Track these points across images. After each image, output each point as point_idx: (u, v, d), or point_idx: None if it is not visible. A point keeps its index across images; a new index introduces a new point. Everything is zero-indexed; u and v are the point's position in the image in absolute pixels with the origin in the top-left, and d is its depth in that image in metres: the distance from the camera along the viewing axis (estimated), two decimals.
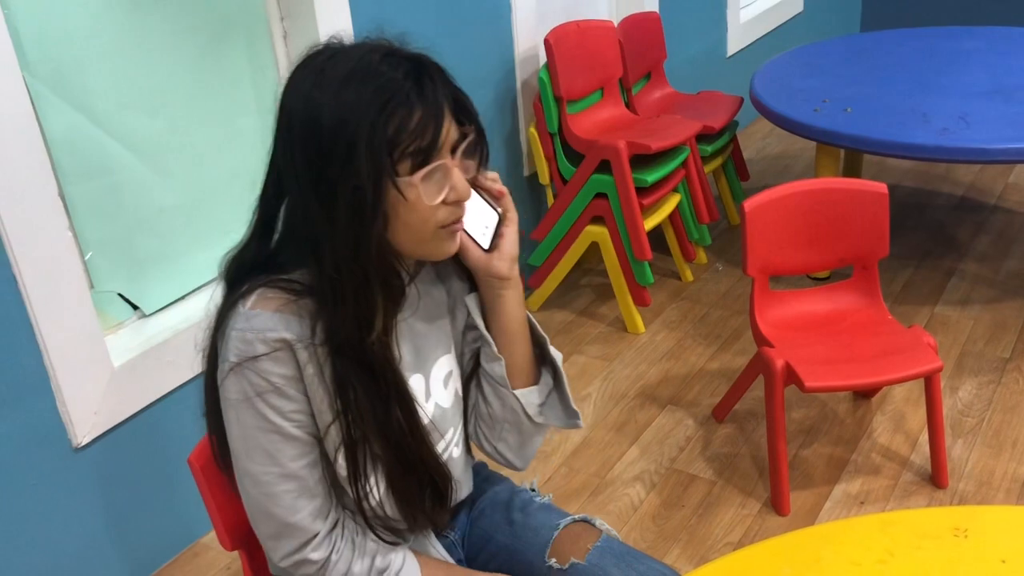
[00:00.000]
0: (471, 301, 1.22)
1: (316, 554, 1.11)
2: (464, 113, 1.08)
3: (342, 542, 1.13)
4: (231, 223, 2.15)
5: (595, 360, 2.68)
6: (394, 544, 1.17)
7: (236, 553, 1.35)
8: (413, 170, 1.02)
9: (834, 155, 2.81)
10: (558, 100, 2.72)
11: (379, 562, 1.14)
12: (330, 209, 1.02)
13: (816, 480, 2.15)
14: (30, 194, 1.66)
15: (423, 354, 1.19)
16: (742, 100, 3.19)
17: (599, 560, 1.21)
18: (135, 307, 2.00)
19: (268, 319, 1.05)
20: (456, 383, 1.25)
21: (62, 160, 1.81)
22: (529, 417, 1.24)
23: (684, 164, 2.85)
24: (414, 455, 1.14)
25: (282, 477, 1.09)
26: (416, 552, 1.20)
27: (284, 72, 2.23)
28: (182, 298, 2.08)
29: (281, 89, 1.05)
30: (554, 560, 1.23)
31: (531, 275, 2.95)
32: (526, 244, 2.95)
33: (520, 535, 1.28)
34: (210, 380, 1.11)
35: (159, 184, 2.02)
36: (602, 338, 2.79)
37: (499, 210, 1.17)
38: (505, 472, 1.38)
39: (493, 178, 1.17)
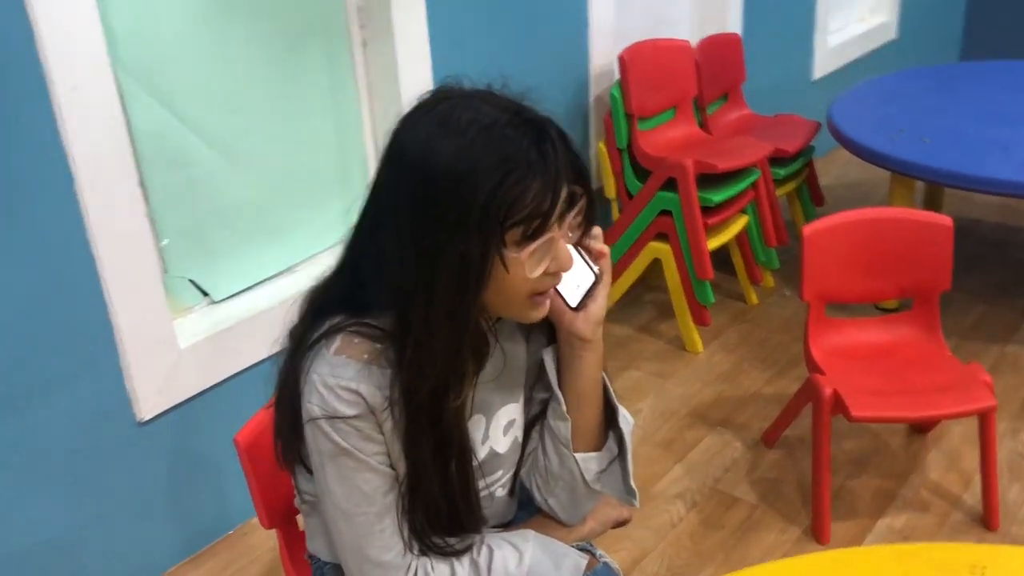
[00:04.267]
0: (548, 356, 1.20)
1: None
2: (579, 180, 1.06)
3: (428, 561, 1.14)
4: (300, 219, 2.26)
5: (649, 376, 2.69)
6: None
7: None
8: (522, 241, 1.01)
9: (908, 185, 2.76)
10: (629, 116, 2.74)
11: (471, 557, 1.16)
12: (431, 268, 0.99)
13: (860, 511, 2.12)
14: (113, 181, 1.77)
15: (490, 399, 1.19)
16: (819, 125, 3.16)
17: None
18: (205, 293, 2.11)
19: (352, 371, 1.04)
20: (517, 431, 1.24)
21: (145, 151, 1.92)
22: (585, 482, 1.22)
23: (754, 186, 2.84)
24: (457, 500, 1.15)
25: (377, 516, 1.10)
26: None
27: (362, 77, 2.32)
28: (249, 288, 2.18)
29: (396, 126, 1.04)
30: None
31: None
32: None
33: None
34: (282, 397, 1.13)
35: (234, 178, 2.12)
36: (659, 355, 2.79)
37: (596, 271, 1.14)
38: None
39: (596, 235, 1.14)
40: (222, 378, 2.05)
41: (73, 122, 1.68)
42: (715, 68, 3.10)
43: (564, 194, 1.02)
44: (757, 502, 2.16)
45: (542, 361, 1.21)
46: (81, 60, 1.67)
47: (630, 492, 1.25)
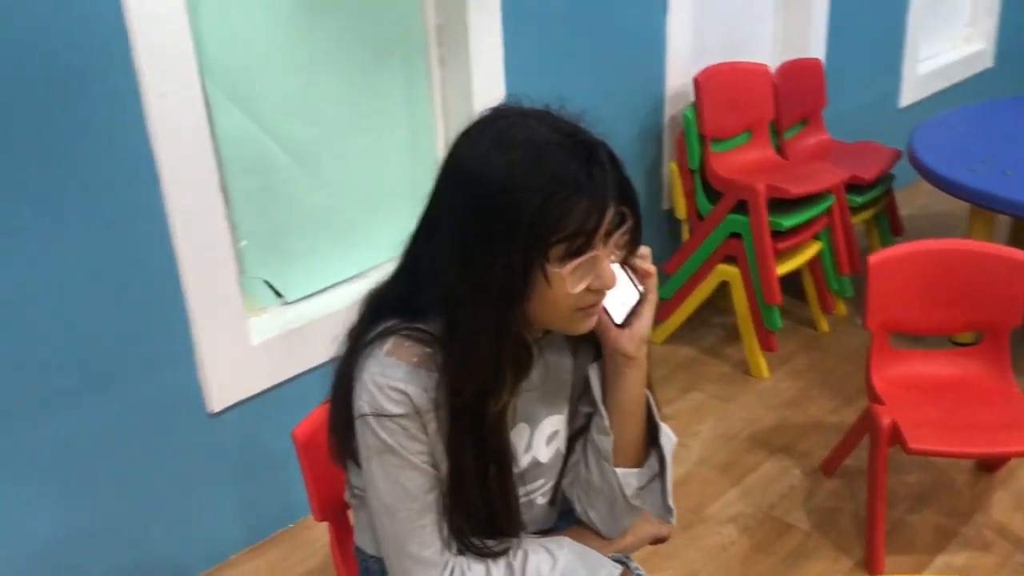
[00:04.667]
0: (593, 371, 1.23)
1: None
2: (627, 202, 1.09)
3: (465, 560, 1.18)
4: (372, 227, 2.33)
5: (712, 399, 2.68)
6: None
7: None
8: (565, 257, 1.04)
9: (988, 219, 2.69)
10: (702, 138, 2.75)
11: (507, 560, 1.20)
12: (477, 278, 1.04)
13: (918, 547, 2.07)
14: (195, 183, 1.88)
15: (535, 409, 1.22)
16: (899, 153, 3.11)
17: None
18: (279, 294, 2.20)
19: (401, 373, 1.09)
20: (560, 443, 1.27)
21: (227, 156, 2.02)
22: (625, 497, 1.24)
23: (827, 212, 2.82)
24: (496, 504, 1.18)
25: (418, 513, 1.14)
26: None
27: (438, 93, 2.39)
28: (321, 291, 2.27)
29: (456, 139, 1.09)
30: None
31: (659, 308, 2.99)
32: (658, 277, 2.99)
33: None
34: (338, 394, 1.18)
35: (311, 185, 2.21)
36: (723, 378, 2.78)
37: (641, 289, 1.17)
38: None
39: (644, 255, 1.17)
40: (291, 375, 2.13)
41: (161, 127, 1.79)
42: (794, 93, 3.08)
43: (610, 215, 1.05)
44: (811, 530, 2.14)
45: (588, 376, 1.24)
46: (171, 69, 1.78)
47: (668, 510, 1.26)
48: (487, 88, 2.36)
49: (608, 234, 1.07)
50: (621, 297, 1.16)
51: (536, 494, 1.28)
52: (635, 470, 1.23)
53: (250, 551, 2.15)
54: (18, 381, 1.73)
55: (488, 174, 1.03)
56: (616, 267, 1.15)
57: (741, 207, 2.67)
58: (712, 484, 2.32)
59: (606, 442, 1.21)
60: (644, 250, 1.17)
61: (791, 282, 3.11)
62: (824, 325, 3.01)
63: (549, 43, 2.48)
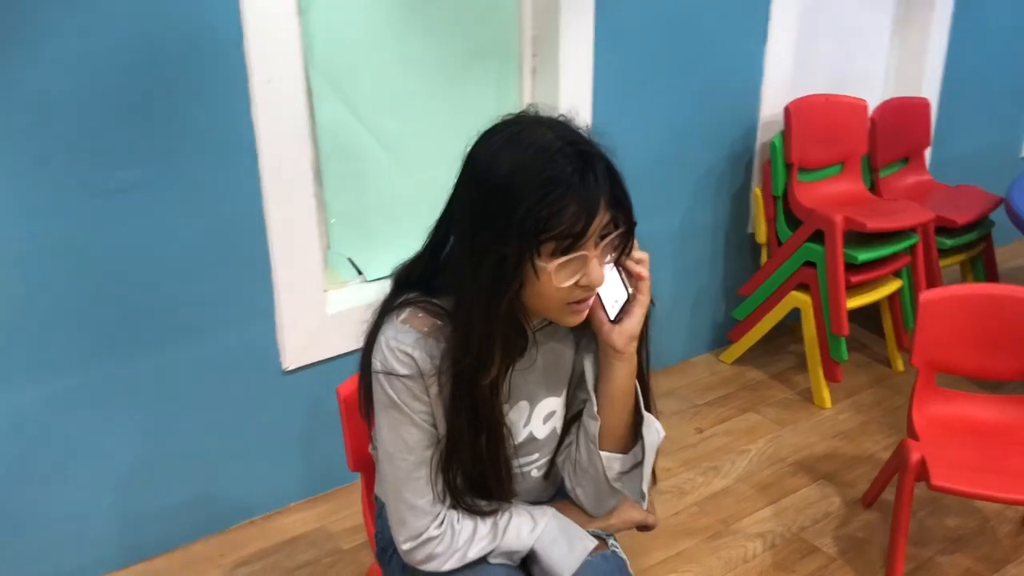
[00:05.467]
0: (589, 360, 1.35)
1: (437, 530, 1.30)
2: (619, 209, 1.19)
3: (456, 514, 1.32)
4: None
5: (767, 422, 2.72)
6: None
7: None
8: (555, 254, 1.15)
9: None
10: (788, 166, 2.80)
11: (494, 520, 1.33)
12: (476, 265, 1.17)
13: None
14: (290, 162, 2.09)
15: (535, 389, 1.35)
16: (1001, 200, 3.06)
17: (580, 570, 1.33)
18: (359, 271, 2.40)
19: (411, 339, 1.23)
20: (556, 422, 1.39)
21: (324, 141, 2.24)
22: (607, 479, 1.35)
23: (910, 251, 2.81)
24: (489, 471, 1.31)
25: (415, 465, 1.29)
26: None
27: (527, 101, 2.54)
28: None
29: (477, 138, 1.22)
30: None
31: (732, 329, 3.04)
32: (733, 298, 3.05)
33: None
34: (365, 353, 1.32)
35: (399, 176, 2.40)
36: (784, 404, 2.82)
37: (630, 291, 1.28)
38: None
39: (638, 259, 1.28)
40: (357, 346, 2.32)
41: (263, 109, 2.02)
42: (895, 130, 3.08)
43: (601, 220, 1.16)
44: (836, 556, 2.17)
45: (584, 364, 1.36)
46: (277, 58, 2.00)
47: (642, 495, 1.36)
48: (573, 101, 2.50)
49: (600, 237, 1.18)
50: (615, 295, 1.27)
51: (531, 467, 1.40)
52: (619, 455, 1.34)
53: (305, 502, 2.36)
54: (118, 321, 1.98)
55: (495, 171, 1.16)
56: (612, 268, 1.27)
57: (819, 237, 2.70)
58: (748, 500, 2.37)
59: (594, 426, 1.33)
60: (642, 255, 1.29)
61: (870, 317, 3.12)
62: (899, 364, 2.99)
63: (641, 62, 2.59)
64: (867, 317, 3.14)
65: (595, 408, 1.32)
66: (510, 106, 2.52)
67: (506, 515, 1.35)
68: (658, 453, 1.37)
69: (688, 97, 2.73)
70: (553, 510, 1.40)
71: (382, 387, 1.27)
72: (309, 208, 2.16)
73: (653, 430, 1.35)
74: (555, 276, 1.16)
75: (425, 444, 1.29)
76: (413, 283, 1.30)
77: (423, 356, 1.24)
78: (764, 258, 2.95)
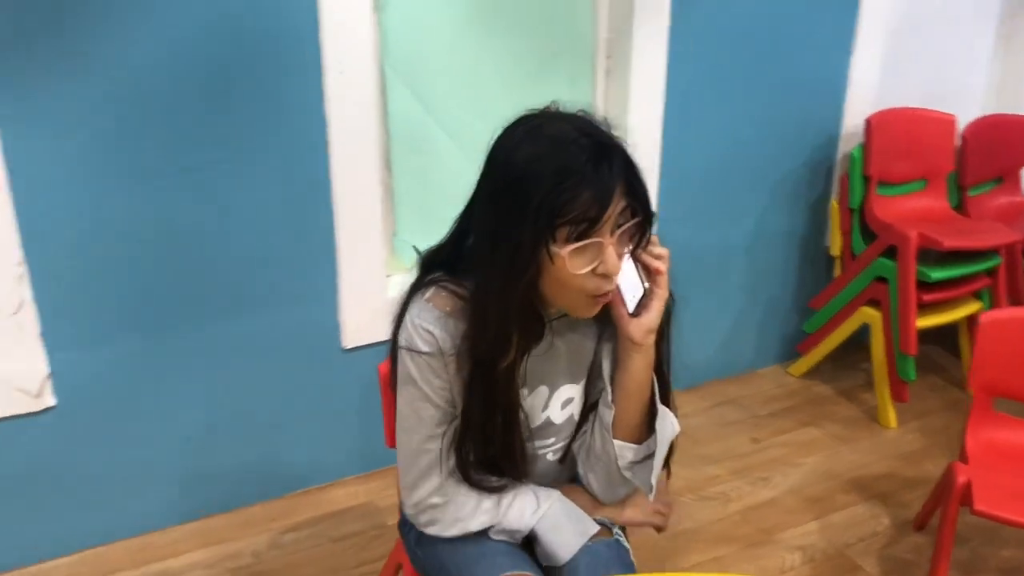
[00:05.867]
0: (607, 351, 1.38)
1: (442, 499, 1.37)
2: (636, 199, 1.21)
3: (463, 487, 1.38)
4: None
5: (827, 437, 2.68)
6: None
7: None
8: (569, 239, 1.18)
9: None
10: (867, 179, 2.75)
11: (499, 497, 1.39)
12: (493, 251, 1.22)
13: None
14: (359, 150, 2.19)
15: (556, 375, 1.39)
16: None
17: (580, 555, 1.37)
18: None
19: (433, 317, 1.29)
20: (574, 409, 1.43)
21: (396, 132, 2.33)
22: (618, 467, 1.38)
23: (990, 272, 2.72)
24: (502, 452, 1.36)
25: (427, 439, 1.35)
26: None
27: (600, 103, 2.58)
28: None
29: (502, 130, 1.26)
30: None
31: (802, 341, 3.00)
32: (805, 310, 3.01)
33: None
34: (395, 330, 1.37)
35: (469, 170, 2.46)
36: (848, 421, 2.76)
37: (646, 285, 1.29)
38: None
39: (657, 255, 1.29)
40: None
41: (335, 98, 2.12)
42: (989, 148, 2.97)
43: (615, 208, 1.19)
44: None
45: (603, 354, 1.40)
46: (351, 51, 2.10)
47: (649, 487, 1.40)
48: (644, 103, 2.52)
49: (616, 227, 1.21)
50: (634, 289, 1.30)
51: (548, 450, 1.45)
52: (632, 445, 1.38)
53: (357, 477, 2.46)
54: (190, 291, 2.12)
55: (514, 160, 1.22)
56: (630, 261, 1.29)
57: (893, 252, 2.64)
58: (794, 512, 2.35)
59: (608, 414, 1.37)
60: (661, 250, 1.30)
61: (949, 338, 3.02)
62: None
63: (717, 67, 2.59)
64: (945, 338, 3.04)
65: (610, 397, 1.36)
66: (583, 106, 2.55)
67: (511, 494, 1.40)
68: (673, 448, 1.41)
69: (766, 104, 2.71)
70: (559, 494, 1.43)
71: (404, 363, 1.34)
72: (376, 195, 2.26)
73: (668, 423, 1.37)
74: (570, 262, 1.19)
75: (438, 421, 1.35)
76: (438, 265, 1.36)
77: (444, 335, 1.29)
78: (837, 271, 2.90)
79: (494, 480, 1.41)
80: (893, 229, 2.64)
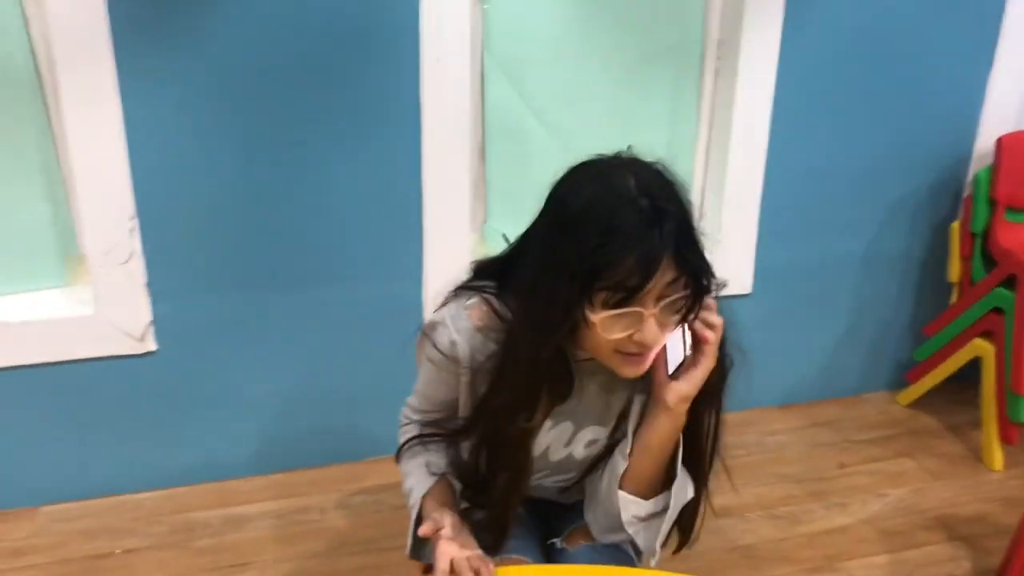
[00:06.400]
0: (638, 402, 1.31)
1: (406, 425, 1.49)
2: (687, 270, 1.12)
3: (419, 456, 1.44)
4: None
5: (921, 471, 2.53)
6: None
7: None
8: (607, 305, 1.11)
9: None
10: (993, 202, 2.57)
11: (424, 459, 1.42)
12: (530, 295, 1.18)
13: None
14: (452, 137, 2.26)
15: (583, 415, 1.35)
16: None
17: (585, 549, 1.37)
18: None
19: (463, 326, 1.28)
20: (596, 449, 1.38)
21: (492, 121, 2.38)
22: (620, 518, 1.31)
23: None
24: (510, 474, 1.33)
25: (423, 401, 1.43)
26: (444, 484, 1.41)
27: (706, 104, 2.54)
28: None
29: (578, 163, 1.22)
30: (560, 540, 1.42)
31: (911, 369, 2.84)
32: (919, 337, 2.84)
33: (567, 512, 1.49)
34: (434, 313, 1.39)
35: (564, 162, 2.49)
36: (948, 457, 2.60)
37: (688, 353, 1.21)
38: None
39: (710, 323, 1.20)
40: None
41: (431, 85, 2.20)
42: None
43: (663, 279, 1.10)
44: None
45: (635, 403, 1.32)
46: (448, 40, 2.17)
47: (653, 552, 1.33)
48: (750, 110, 2.46)
49: (660, 297, 1.12)
50: (676, 353, 1.22)
51: (560, 483, 1.45)
52: (637, 499, 1.30)
53: None
54: (281, 258, 2.26)
55: (570, 206, 1.15)
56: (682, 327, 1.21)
57: (1013, 282, 2.46)
58: (866, 543, 2.24)
59: (621, 464, 1.30)
60: (716, 319, 1.21)
61: None
62: None
63: (833, 74, 2.49)
64: None
65: (627, 449, 1.30)
66: (686, 108, 2.53)
67: (424, 468, 1.41)
68: (691, 517, 1.34)
69: (887, 115, 2.58)
70: (452, 514, 1.34)
71: (422, 346, 1.36)
72: (465, 182, 2.33)
73: (685, 491, 1.30)
74: (604, 329, 1.13)
75: (430, 407, 1.42)
76: (488, 276, 1.34)
77: (465, 348, 1.27)
78: (954, 298, 2.72)
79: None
80: (1015, 257, 2.46)
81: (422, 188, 2.30)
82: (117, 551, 2.17)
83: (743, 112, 2.47)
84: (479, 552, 1.26)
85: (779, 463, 2.56)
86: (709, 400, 1.27)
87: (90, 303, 2.19)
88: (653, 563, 1.33)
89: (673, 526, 1.33)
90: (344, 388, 2.43)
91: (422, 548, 1.40)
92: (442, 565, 1.23)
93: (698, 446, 1.30)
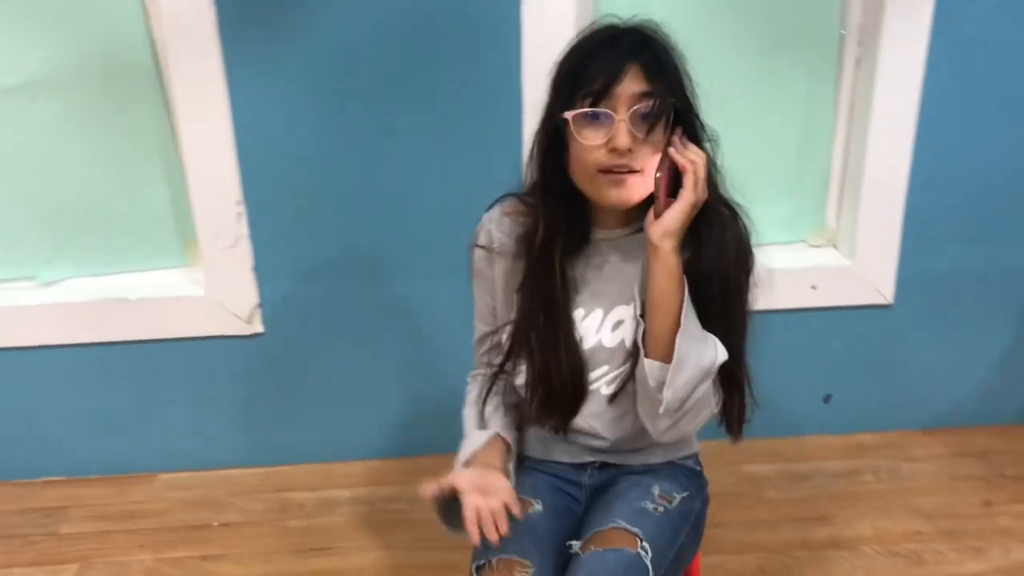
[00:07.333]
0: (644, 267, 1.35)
1: (468, 378, 1.58)
2: (658, 82, 1.24)
3: (477, 383, 1.54)
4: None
5: None
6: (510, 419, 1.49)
7: None
8: (581, 107, 1.24)
9: None
10: None
11: (484, 410, 1.50)
12: (537, 138, 1.34)
13: None
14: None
15: (609, 295, 1.40)
16: None
17: (592, 555, 1.29)
18: None
19: (495, 215, 1.45)
20: (625, 332, 1.39)
21: None
22: (648, 386, 1.30)
23: None
24: (560, 367, 1.38)
25: (479, 327, 1.53)
26: (502, 438, 1.44)
27: (845, 94, 2.31)
28: None
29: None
30: (577, 544, 1.34)
31: None
32: None
33: (590, 517, 1.42)
34: None
35: None
36: None
37: (658, 174, 1.26)
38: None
39: (690, 155, 1.26)
40: None
41: (532, 73, 2.12)
42: None
43: (631, 87, 1.22)
44: None
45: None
46: (548, 24, 2.08)
47: (678, 404, 1.30)
48: (893, 101, 2.21)
49: (631, 105, 1.23)
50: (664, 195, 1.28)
51: (600, 382, 1.41)
52: (660, 364, 1.29)
53: None
54: (387, 247, 2.27)
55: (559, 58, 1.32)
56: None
57: None
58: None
59: (639, 330, 1.33)
60: (696, 153, 1.27)
61: None
62: None
63: (993, 61, 2.19)
64: None
65: (638, 311, 1.34)
66: (822, 98, 2.32)
67: (483, 432, 1.45)
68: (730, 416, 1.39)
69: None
70: (492, 466, 1.36)
71: (471, 260, 1.49)
72: None
73: (704, 346, 1.29)
74: (578, 131, 1.24)
75: (481, 316, 1.50)
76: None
77: (496, 231, 1.43)
78: None
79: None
80: None
81: (522, 178, 2.22)
82: (215, 524, 2.26)
83: (886, 103, 2.22)
84: (503, 499, 1.26)
85: (911, 494, 2.30)
86: (724, 281, 1.32)
87: (202, 284, 2.28)
88: (662, 409, 1.30)
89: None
90: (442, 379, 2.41)
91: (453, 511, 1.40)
92: (469, 515, 1.24)
93: (725, 322, 1.32)
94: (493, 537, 1.23)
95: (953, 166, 2.29)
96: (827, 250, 2.44)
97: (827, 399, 2.53)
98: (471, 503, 1.24)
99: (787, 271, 2.36)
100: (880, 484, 2.35)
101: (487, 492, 1.26)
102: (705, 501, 1.54)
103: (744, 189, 2.31)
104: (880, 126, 2.24)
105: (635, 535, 1.33)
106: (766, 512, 2.23)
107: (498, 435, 1.44)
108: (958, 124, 2.25)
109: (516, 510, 1.26)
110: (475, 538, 1.24)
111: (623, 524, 1.34)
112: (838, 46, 2.28)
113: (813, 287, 2.37)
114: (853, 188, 2.34)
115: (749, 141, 2.35)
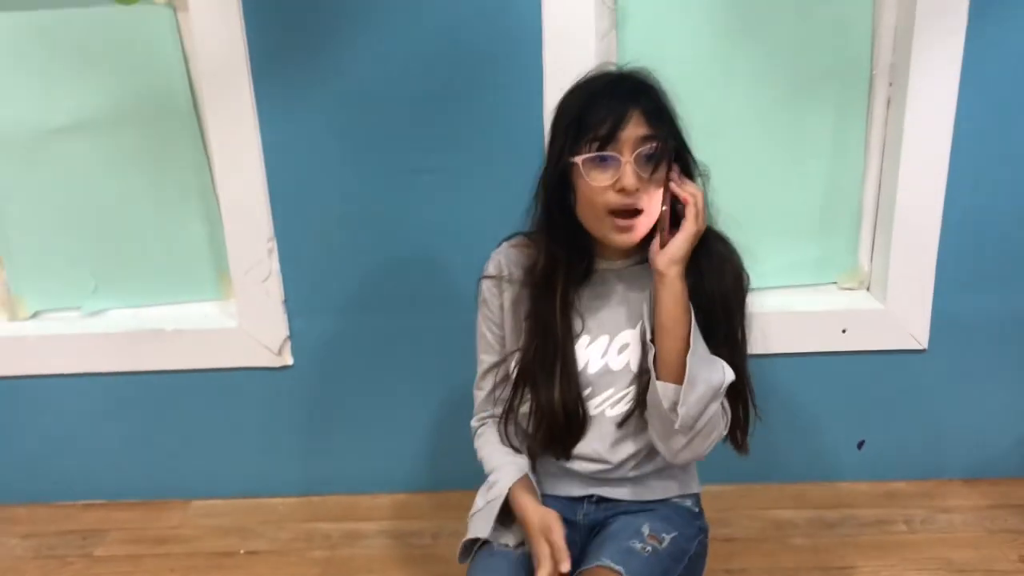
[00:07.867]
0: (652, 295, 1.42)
1: (474, 423, 1.67)
2: (659, 127, 1.33)
3: (491, 426, 1.61)
4: (769, 249, 2.35)
5: None
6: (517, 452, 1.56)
7: None
8: (588, 152, 1.32)
9: None
10: None
11: (503, 454, 1.57)
12: (542, 178, 1.42)
13: None
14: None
15: (615, 322, 1.47)
16: None
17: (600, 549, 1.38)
18: None
19: (502, 249, 1.55)
20: (631, 355, 1.46)
21: None
22: (662, 408, 1.36)
23: None
24: (560, 395, 1.44)
25: (483, 361, 1.59)
26: (523, 479, 1.50)
27: (876, 134, 2.28)
28: None
29: None
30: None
31: None
32: None
33: (582, 558, 1.44)
34: None
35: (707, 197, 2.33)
36: None
37: (664, 207, 1.38)
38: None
39: (690, 189, 1.38)
40: None
41: (552, 94, 2.12)
42: None
43: (635, 132, 1.31)
44: None
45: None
46: (569, 52, 2.10)
47: (691, 421, 1.36)
48: (927, 140, 2.17)
49: (635, 148, 1.31)
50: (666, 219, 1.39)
51: (606, 404, 1.46)
52: (673, 385, 1.36)
53: None
54: (413, 282, 2.31)
55: (561, 101, 1.42)
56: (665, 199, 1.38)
57: None
58: None
59: (650, 354, 1.40)
60: (694, 187, 1.40)
61: None
62: None
63: (1011, 89, 2.14)
64: None
65: (648, 336, 1.40)
66: (854, 138, 2.29)
67: (509, 469, 1.53)
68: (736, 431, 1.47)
69: None
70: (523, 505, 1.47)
71: (478, 291, 1.56)
72: None
73: (713, 367, 1.36)
74: (587, 172, 1.32)
75: (487, 347, 1.56)
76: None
77: (505, 261, 1.52)
78: None
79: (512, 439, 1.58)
80: None
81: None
82: (241, 551, 2.31)
83: (917, 144, 2.18)
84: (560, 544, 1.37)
85: (945, 545, 2.23)
86: (729, 308, 1.41)
87: (235, 317, 2.36)
88: (677, 425, 1.36)
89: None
90: (469, 414, 2.41)
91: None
92: (543, 550, 1.37)
93: (731, 346, 1.42)
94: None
95: (987, 206, 2.23)
96: (858, 293, 2.40)
97: (860, 445, 2.47)
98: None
99: (817, 314, 2.32)
100: (912, 534, 2.28)
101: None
102: (703, 544, 1.53)
103: (774, 230, 2.33)
104: (912, 167, 2.20)
105: (618, 573, 1.33)
106: (790, 559, 2.18)
107: (526, 475, 1.52)
108: (992, 163, 2.20)
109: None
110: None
111: (608, 563, 1.37)
112: (868, 86, 2.25)
113: (843, 331, 2.33)
114: (885, 230, 2.30)
115: (779, 182, 2.33)
